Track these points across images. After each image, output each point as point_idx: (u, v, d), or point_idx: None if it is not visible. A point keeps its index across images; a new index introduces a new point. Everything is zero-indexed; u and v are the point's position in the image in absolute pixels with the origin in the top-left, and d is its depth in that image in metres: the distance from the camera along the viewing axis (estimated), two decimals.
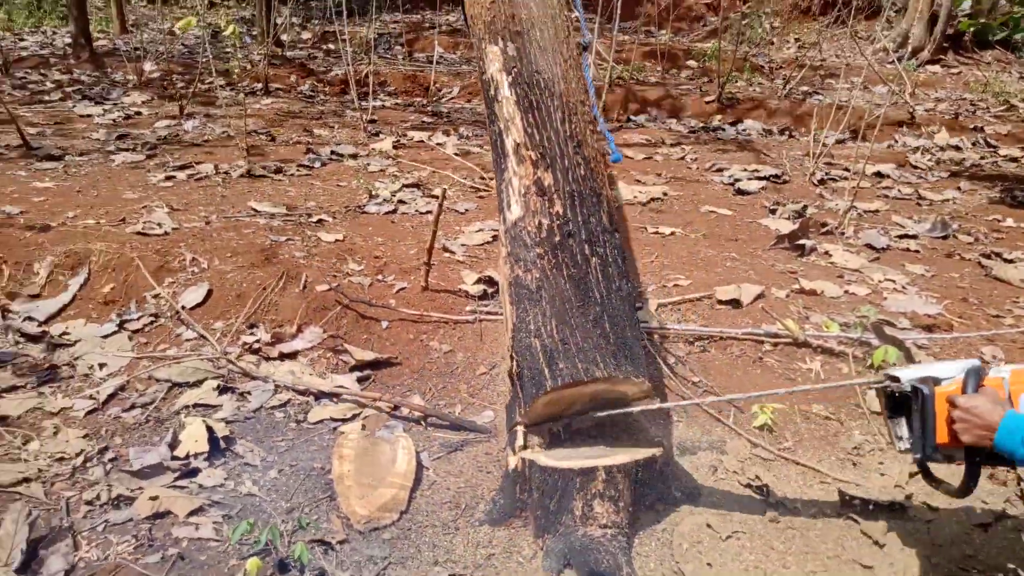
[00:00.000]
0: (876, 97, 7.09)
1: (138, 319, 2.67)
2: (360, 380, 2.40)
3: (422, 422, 2.19)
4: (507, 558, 1.69)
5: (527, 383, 1.68)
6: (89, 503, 1.80)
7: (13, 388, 2.29)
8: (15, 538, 1.60)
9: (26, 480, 1.86)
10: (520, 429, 1.69)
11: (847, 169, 4.87)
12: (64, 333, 2.61)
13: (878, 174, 4.95)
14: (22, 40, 9.55)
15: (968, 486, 1.41)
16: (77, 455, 1.98)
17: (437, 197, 2.83)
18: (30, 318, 2.67)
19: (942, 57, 9.24)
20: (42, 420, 2.15)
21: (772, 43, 11.08)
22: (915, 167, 5.21)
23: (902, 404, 1.47)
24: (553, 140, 1.97)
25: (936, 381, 1.42)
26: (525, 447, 1.67)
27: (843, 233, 3.71)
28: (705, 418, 2.21)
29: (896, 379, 1.46)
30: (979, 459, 1.39)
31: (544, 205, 1.88)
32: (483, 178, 4.30)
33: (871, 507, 1.86)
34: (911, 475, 1.98)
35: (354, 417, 2.21)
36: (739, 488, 1.94)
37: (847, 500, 1.89)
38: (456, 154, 4.97)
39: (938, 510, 1.89)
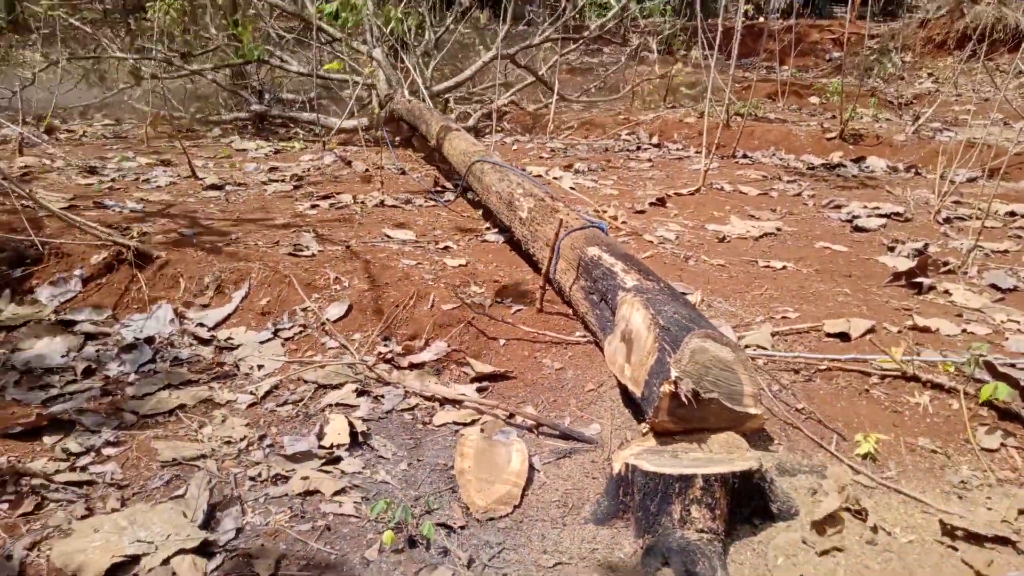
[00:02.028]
0: (1017, 133, 6.74)
1: (290, 328, 3.05)
2: (479, 390, 2.64)
3: (534, 430, 2.39)
4: (609, 553, 1.85)
5: (676, 334, 2.03)
6: (252, 479, 2.12)
7: (189, 382, 2.69)
8: (198, 500, 1.92)
9: (203, 456, 2.21)
10: (674, 372, 1.93)
11: (977, 208, 4.71)
12: (229, 338, 3.02)
13: (1011, 213, 4.76)
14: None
15: None
16: (241, 440, 2.32)
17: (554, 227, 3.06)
18: (201, 324, 3.11)
19: None
20: (212, 410, 2.52)
21: (902, 78, 10.72)
22: None
23: None
24: (645, 270, 2.64)
25: None
26: (675, 382, 1.92)
27: (966, 272, 3.62)
28: (807, 443, 2.28)
29: None
30: None
31: (650, 282, 2.49)
32: (597, 211, 4.50)
33: (974, 539, 1.88)
34: (1020, 512, 1.98)
35: (474, 422, 2.45)
36: (838, 511, 2.00)
37: (948, 529, 1.91)
38: (572, 187, 5.21)
39: None
